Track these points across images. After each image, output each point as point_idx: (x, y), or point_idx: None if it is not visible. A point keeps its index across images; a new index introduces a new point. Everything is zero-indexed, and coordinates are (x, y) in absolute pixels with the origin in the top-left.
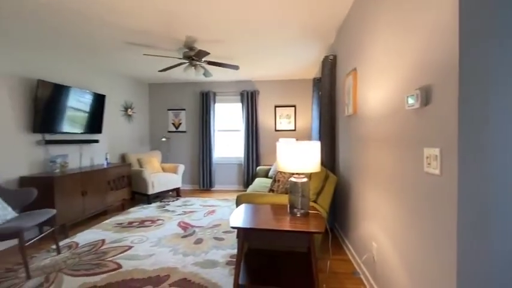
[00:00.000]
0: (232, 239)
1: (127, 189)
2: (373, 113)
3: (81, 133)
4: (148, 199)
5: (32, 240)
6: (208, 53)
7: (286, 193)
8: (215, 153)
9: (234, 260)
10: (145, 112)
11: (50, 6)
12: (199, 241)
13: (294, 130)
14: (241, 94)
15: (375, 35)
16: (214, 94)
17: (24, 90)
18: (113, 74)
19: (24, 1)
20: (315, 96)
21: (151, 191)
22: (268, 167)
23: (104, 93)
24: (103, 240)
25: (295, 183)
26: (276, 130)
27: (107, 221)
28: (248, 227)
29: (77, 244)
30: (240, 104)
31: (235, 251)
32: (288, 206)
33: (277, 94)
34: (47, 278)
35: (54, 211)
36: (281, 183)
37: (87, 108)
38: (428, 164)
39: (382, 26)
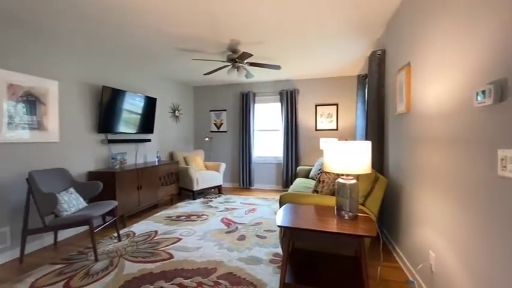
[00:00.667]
0: (273, 238)
1: (175, 185)
2: (430, 110)
3: (136, 133)
4: (193, 195)
5: (99, 228)
6: (251, 55)
7: (331, 194)
8: (254, 153)
9: (277, 258)
10: (190, 113)
11: (114, 22)
12: (242, 238)
13: (336, 129)
14: (281, 94)
15: (431, 26)
16: (254, 94)
17: (91, 95)
18: (163, 79)
19: (94, 20)
20: (360, 93)
21: (196, 187)
22: (309, 167)
23: (155, 97)
24: (156, 231)
25: (344, 184)
26: (316, 129)
27: (158, 214)
28: (296, 226)
29: (134, 233)
30: (279, 104)
31: (277, 250)
32: (336, 207)
33: (318, 92)
34: (111, 261)
35: (116, 203)
36: (326, 184)
37: (142, 111)
38: (504, 167)
39: (441, 16)
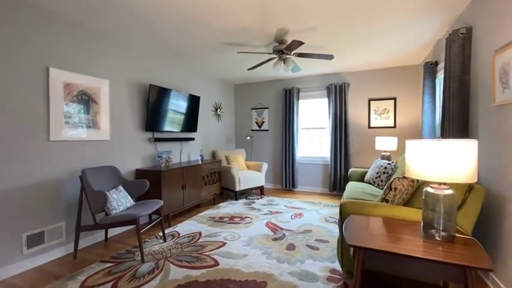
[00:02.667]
0: (327, 250)
1: (218, 184)
2: None
3: (181, 131)
4: (236, 195)
5: (145, 228)
6: (302, 43)
7: (404, 205)
8: (298, 152)
9: (336, 276)
10: (231, 112)
11: (163, 18)
12: (291, 247)
13: (393, 127)
14: (328, 88)
15: None
16: (298, 90)
17: (138, 94)
18: (205, 77)
19: (144, 18)
20: (427, 84)
21: (238, 187)
22: (363, 169)
23: (198, 95)
24: (200, 233)
25: (435, 195)
26: (369, 127)
27: (201, 214)
28: (374, 248)
29: (179, 234)
30: (326, 99)
31: (334, 265)
32: (422, 224)
33: (371, 86)
34: (157, 264)
35: (162, 202)
36: (399, 192)
37: (186, 109)
38: None
39: None
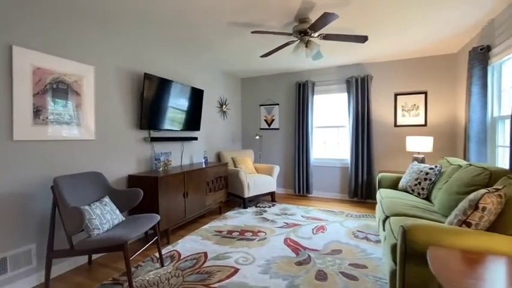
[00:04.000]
0: (369, 281)
1: (224, 191)
2: None
3: (182, 130)
4: (244, 203)
5: (137, 253)
6: (336, 16)
7: (487, 229)
8: (313, 154)
9: None
10: (238, 108)
11: None
12: (322, 276)
13: (424, 125)
14: (348, 81)
15: None
16: (313, 84)
17: (132, 84)
18: (209, 69)
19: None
20: (477, 73)
21: (247, 194)
22: (396, 174)
23: (201, 88)
24: (205, 254)
25: None
26: (396, 125)
27: (206, 227)
28: None
29: (179, 255)
30: (346, 94)
31: None
32: None
33: (398, 79)
34: None
35: (158, 217)
36: (487, 212)
37: (188, 104)
38: None
39: None
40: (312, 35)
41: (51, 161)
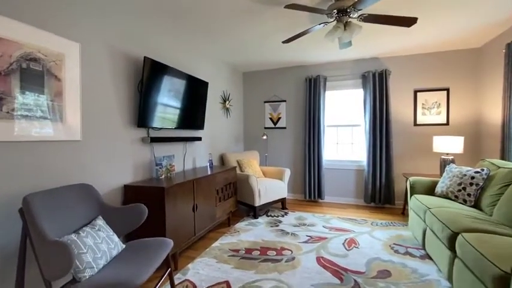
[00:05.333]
0: None
1: (233, 199)
2: None
3: (185, 129)
4: (255, 212)
5: None
6: None
7: None
8: (325, 155)
9: None
10: (240, 105)
11: None
12: None
13: (446, 124)
14: (364, 76)
15: None
16: (325, 79)
17: (128, 71)
18: (213, 59)
19: None
20: (511, 69)
21: (258, 202)
22: (431, 179)
23: (206, 80)
24: (227, 283)
25: None
26: (415, 124)
27: (217, 244)
28: None
29: (194, 286)
30: (362, 90)
31: None
32: None
33: (418, 74)
34: None
35: (171, 243)
36: None
37: (192, 99)
38: None
39: None
40: (352, 15)
41: (19, 172)
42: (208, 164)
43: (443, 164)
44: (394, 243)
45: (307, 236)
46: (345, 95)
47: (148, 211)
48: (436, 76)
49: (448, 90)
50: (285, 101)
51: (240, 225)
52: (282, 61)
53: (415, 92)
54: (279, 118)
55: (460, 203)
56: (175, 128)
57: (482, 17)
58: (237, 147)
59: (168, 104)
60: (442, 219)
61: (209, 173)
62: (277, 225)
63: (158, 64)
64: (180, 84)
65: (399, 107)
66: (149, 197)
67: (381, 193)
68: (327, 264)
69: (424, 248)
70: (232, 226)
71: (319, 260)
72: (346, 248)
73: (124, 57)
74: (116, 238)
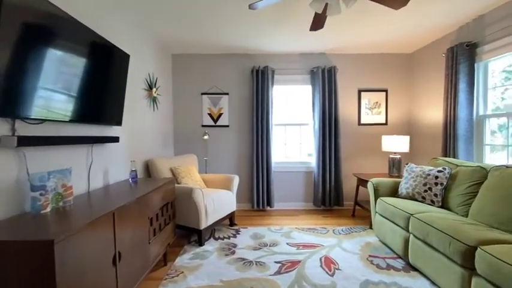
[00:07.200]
0: None
1: (171, 225)
2: None
3: (88, 123)
4: (200, 237)
5: None
6: None
7: None
8: (274, 158)
9: None
10: (169, 95)
11: None
12: None
13: (385, 124)
14: (312, 72)
15: None
16: (273, 72)
17: None
18: (135, 25)
19: None
20: (463, 70)
21: (204, 223)
22: (392, 179)
23: (128, 53)
24: None
25: None
26: (359, 124)
27: None
28: None
29: None
30: (310, 87)
31: None
32: None
33: (362, 74)
34: None
35: None
36: None
37: (102, 76)
38: None
39: None
40: None
41: None
42: (130, 177)
43: (392, 163)
44: (369, 255)
45: (275, 262)
46: (293, 90)
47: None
48: (377, 77)
49: (386, 91)
50: (227, 93)
51: (183, 260)
52: (223, 45)
53: (359, 91)
54: (221, 114)
55: (428, 204)
56: (70, 121)
57: (415, 26)
58: (167, 150)
59: (57, 77)
60: (444, 230)
61: (137, 193)
62: (233, 252)
63: (33, 1)
64: (82, 47)
65: (345, 106)
66: (19, 262)
67: (330, 195)
68: None
69: (403, 257)
70: (171, 264)
71: None
72: (328, 273)
73: None
74: None
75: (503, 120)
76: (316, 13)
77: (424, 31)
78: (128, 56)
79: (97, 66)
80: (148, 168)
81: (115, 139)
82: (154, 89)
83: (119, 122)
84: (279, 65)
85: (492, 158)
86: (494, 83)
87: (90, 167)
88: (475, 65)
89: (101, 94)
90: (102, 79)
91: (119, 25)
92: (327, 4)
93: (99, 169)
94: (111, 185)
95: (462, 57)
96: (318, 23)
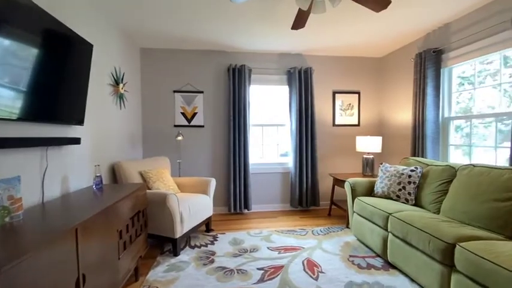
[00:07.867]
0: None
1: (143, 236)
2: None
3: (44, 122)
4: (175, 247)
5: None
6: None
7: None
8: (251, 159)
9: None
10: (137, 93)
11: None
12: None
13: (357, 125)
14: (289, 72)
15: None
16: (250, 71)
17: None
18: (98, 13)
19: None
20: (431, 74)
21: (179, 231)
22: (367, 179)
23: (89, 41)
24: None
25: None
26: (334, 125)
27: None
28: None
29: None
30: (287, 87)
31: None
32: None
33: (336, 76)
34: None
35: None
36: None
37: (60, 67)
38: None
39: None
40: None
41: None
42: (94, 184)
43: (366, 162)
44: (349, 256)
45: (258, 269)
46: (269, 90)
47: None
48: (351, 79)
49: (359, 93)
50: (202, 92)
51: (156, 273)
52: (196, 40)
53: (334, 93)
54: (195, 114)
55: (402, 202)
56: (19, 120)
57: (386, 31)
58: (135, 152)
59: (2, 71)
60: (423, 228)
61: (104, 203)
62: (212, 261)
63: None
64: (34, 33)
65: (321, 107)
66: None
67: (307, 196)
68: None
69: (382, 256)
70: (143, 279)
71: None
72: (312, 277)
73: None
74: None
75: (460, 121)
76: (299, 11)
77: (395, 36)
78: (91, 45)
79: (52, 55)
80: (115, 173)
81: (76, 140)
82: (121, 85)
83: (80, 121)
84: (256, 64)
85: (454, 157)
86: (457, 88)
87: (45, 173)
88: (441, 70)
89: (58, 89)
90: (60, 71)
91: (84, 14)
92: (312, 1)
93: (56, 176)
94: (71, 194)
95: (429, 62)
96: (300, 21)
